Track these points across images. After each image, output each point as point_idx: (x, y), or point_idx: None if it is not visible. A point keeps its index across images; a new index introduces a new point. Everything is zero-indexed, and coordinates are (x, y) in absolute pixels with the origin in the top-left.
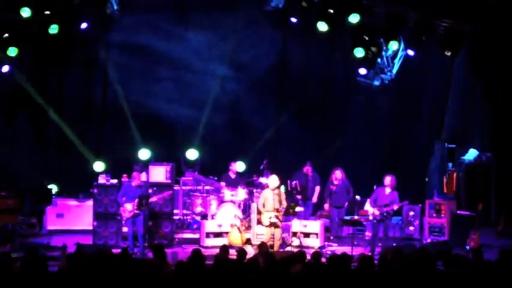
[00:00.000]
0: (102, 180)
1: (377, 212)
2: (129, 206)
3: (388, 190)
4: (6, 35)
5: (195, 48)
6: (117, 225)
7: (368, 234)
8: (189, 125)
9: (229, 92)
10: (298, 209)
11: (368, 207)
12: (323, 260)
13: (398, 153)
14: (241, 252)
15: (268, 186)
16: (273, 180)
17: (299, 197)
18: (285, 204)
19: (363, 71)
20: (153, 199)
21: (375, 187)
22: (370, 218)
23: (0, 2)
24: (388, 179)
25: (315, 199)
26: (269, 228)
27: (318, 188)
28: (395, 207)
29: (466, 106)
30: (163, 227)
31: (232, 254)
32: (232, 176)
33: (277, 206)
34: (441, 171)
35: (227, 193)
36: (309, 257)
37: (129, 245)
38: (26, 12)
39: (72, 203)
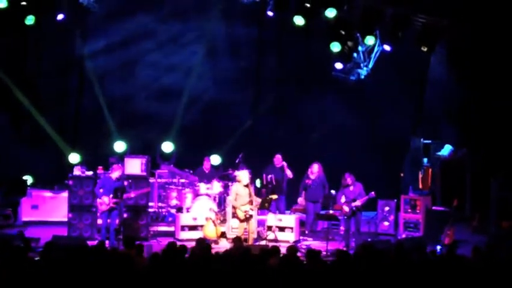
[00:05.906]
0: (77, 172)
1: (347, 209)
2: (106, 199)
3: (351, 187)
4: None
5: (171, 42)
6: (92, 217)
7: (343, 229)
8: (165, 117)
9: (205, 85)
10: (273, 196)
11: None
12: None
13: (373, 148)
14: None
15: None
16: (245, 176)
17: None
18: (254, 198)
19: (339, 65)
20: (131, 195)
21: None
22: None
23: None
24: (345, 177)
25: None
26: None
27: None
28: (363, 200)
29: (441, 102)
30: (138, 219)
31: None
32: (206, 170)
33: (250, 198)
34: (416, 167)
35: (202, 186)
36: (284, 251)
37: (102, 237)
38: (2, 3)
39: (47, 194)
